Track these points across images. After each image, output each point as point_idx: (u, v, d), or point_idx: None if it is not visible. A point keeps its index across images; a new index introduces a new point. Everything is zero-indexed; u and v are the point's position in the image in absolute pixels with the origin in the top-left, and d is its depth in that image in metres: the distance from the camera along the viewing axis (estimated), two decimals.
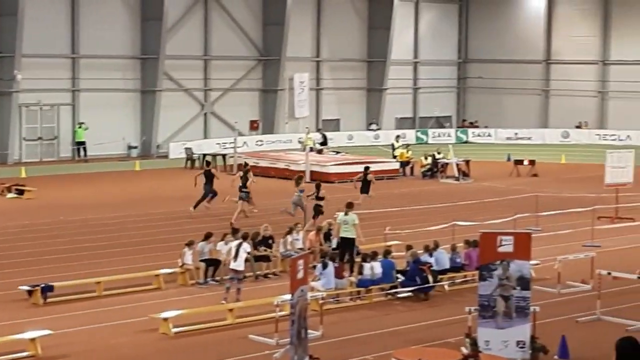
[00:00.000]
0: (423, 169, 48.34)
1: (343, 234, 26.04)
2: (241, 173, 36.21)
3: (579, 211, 33.46)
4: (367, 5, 67.62)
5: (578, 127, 66.08)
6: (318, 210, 32.23)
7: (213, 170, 36.94)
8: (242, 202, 34.59)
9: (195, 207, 35.46)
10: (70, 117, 55.52)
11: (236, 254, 23.38)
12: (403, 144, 52.38)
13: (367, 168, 38.16)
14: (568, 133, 65.14)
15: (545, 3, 69.31)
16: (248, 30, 61.97)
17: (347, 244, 25.98)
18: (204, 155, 51.89)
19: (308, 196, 33.01)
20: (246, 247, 23.77)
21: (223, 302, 22.86)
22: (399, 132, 60.90)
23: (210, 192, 35.61)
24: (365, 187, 36.64)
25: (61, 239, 31.37)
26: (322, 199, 32.62)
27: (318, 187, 33.24)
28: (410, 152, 49.95)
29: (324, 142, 57.07)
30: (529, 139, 64.95)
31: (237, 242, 23.92)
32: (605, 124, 67.11)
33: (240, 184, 34.98)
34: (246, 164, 39.52)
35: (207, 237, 25.87)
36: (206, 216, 35.04)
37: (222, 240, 25.59)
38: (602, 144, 59.36)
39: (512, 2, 70.86)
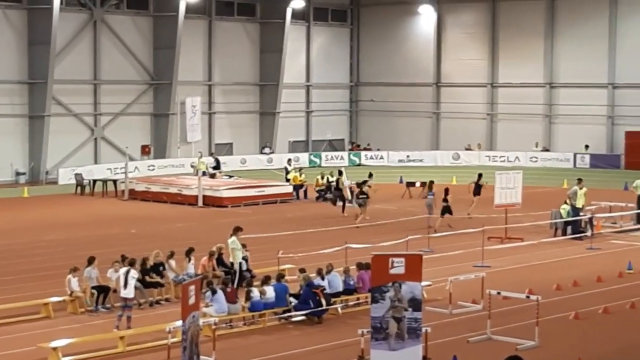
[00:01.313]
0: (318, 188, 48.39)
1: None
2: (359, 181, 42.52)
3: (469, 232, 33.88)
4: (259, 29, 67.72)
5: (468, 149, 67.06)
6: (446, 211, 38.20)
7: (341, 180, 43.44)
8: (361, 207, 40.31)
9: (343, 211, 42.27)
10: None
11: (125, 282, 23.09)
12: (296, 168, 52.46)
13: (480, 175, 43.06)
14: (459, 155, 66.07)
15: (434, 27, 70.31)
16: (138, 54, 61.49)
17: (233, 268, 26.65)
18: (94, 180, 51.27)
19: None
20: (134, 273, 23.49)
21: (115, 330, 22.51)
22: (292, 155, 61.05)
23: (338, 198, 42.69)
24: (478, 190, 41.73)
25: None
26: (447, 201, 38.50)
27: (446, 192, 38.96)
28: (303, 176, 50.03)
29: (217, 166, 56.83)
30: (421, 161, 65.70)
31: (124, 269, 23.61)
32: (495, 145, 68.26)
33: (358, 191, 41.26)
34: (370, 174, 45.38)
35: (90, 261, 25.49)
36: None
37: (111, 267, 25.22)
38: (491, 165, 60.31)
39: (403, 26, 71.70)
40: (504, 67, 68.02)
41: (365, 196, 40.86)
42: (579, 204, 36.82)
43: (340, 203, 43.36)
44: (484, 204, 39.97)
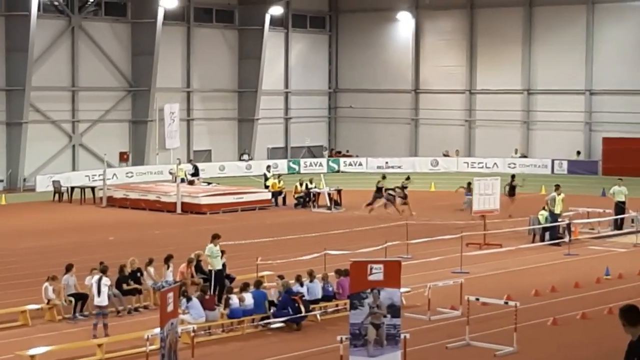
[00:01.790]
0: (297, 195, 48.38)
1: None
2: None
3: (448, 238, 33.93)
4: (238, 36, 67.70)
5: (445, 155, 67.17)
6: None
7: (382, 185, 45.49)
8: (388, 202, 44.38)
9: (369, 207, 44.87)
10: None
11: (98, 290, 22.97)
12: (274, 174, 52.42)
13: (513, 176, 46.34)
14: (437, 161, 66.21)
15: (412, 34, 70.49)
16: (116, 60, 61.35)
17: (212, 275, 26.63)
18: (72, 187, 51.09)
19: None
20: (106, 281, 23.36)
21: (93, 338, 22.39)
22: (271, 162, 61.03)
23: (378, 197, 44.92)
24: (512, 191, 44.29)
25: None
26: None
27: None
28: (282, 182, 50.01)
29: (196, 173, 56.69)
30: (400, 167, 65.75)
31: (96, 277, 23.46)
32: (473, 151, 68.45)
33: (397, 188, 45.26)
34: (408, 177, 48.07)
35: (68, 269, 25.38)
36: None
37: (89, 275, 25.11)
38: (470, 172, 60.43)
39: (381, 32, 71.85)
40: (482, 74, 68.25)
41: (392, 194, 44.74)
42: (557, 210, 36.95)
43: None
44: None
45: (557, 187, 37.93)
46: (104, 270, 23.89)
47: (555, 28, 65.22)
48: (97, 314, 23.03)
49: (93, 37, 60.10)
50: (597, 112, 64.13)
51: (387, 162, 66.34)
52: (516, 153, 65.29)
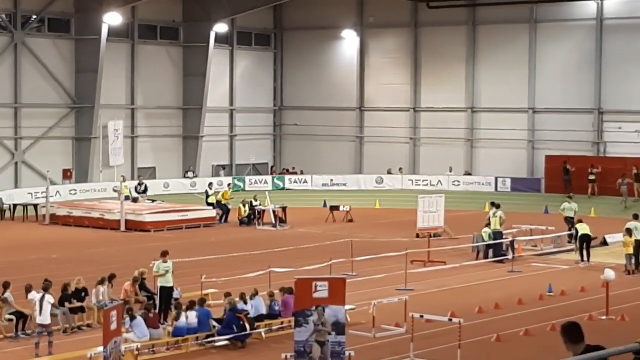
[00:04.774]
0: (242, 218, 48.22)
1: None
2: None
3: (392, 256, 34.02)
4: (182, 53, 67.50)
5: (389, 173, 67.36)
6: None
7: None
8: None
9: None
10: None
11: (41, 308, 22.73)
12: (216, 192, 52.16)
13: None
14: (382, 179, 66.40)
15: (357, 52, 70.75)
16: (60, 77, 60.83)
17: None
18: (15, 205, 50.56)
19: None
20: (49, 299, 23.13)
21: (36, 357, 22.16)
22: (216, 180, 60.85)
23: None
24: None
25: None
26: None
27: None
28: (220, 195, 50.01)
29: (145, 191, 56.24)
30: (345, 185, 65.88)
31: (39, 295, 23.21)
32: (418, 169, 68.74)
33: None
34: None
35: (6, 287, 25.08)
36: None
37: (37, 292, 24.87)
38: (414, 189, 60.68)
39: (326, 50, 72.02)
40: (426, 92, 68.61)
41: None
42: (498, 226, 37.15)
43: None
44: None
45: (496, 205, 38.28)
46: (46, 289, 23.63)
47: (498, 47, 65.81)
48: (39, 332, 22.75)
49: (36, 54, 59.58)
50: (540, 130, 64.73)
51: (332, 180, 66.42)
52: (450, 171, 65.38)
